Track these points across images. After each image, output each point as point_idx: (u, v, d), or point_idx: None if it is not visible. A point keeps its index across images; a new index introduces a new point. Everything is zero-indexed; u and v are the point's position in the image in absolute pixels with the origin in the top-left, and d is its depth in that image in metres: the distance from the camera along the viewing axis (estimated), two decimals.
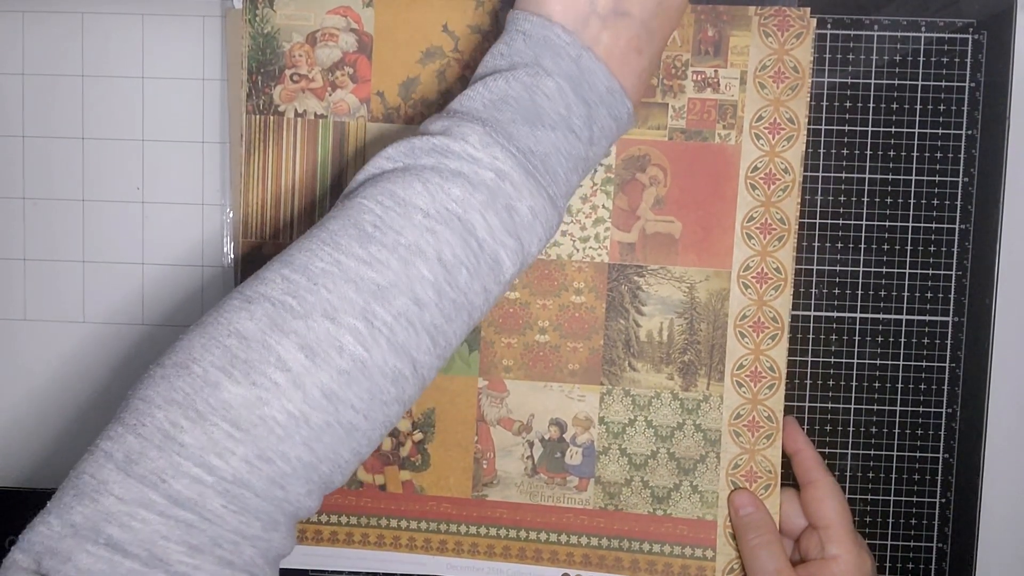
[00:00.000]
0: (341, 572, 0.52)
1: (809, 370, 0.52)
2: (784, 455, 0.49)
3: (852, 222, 0.51)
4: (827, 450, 0.52)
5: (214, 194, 0.53)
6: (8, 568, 0.31)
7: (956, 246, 0.51)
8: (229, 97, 0.51)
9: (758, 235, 0.48)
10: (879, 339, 0.51)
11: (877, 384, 0.51)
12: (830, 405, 0.52)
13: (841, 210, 0.51)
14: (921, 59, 0.50)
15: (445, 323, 0.36)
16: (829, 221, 0.51)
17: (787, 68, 0.48)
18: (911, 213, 0.51)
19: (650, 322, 0.49)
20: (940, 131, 0.50)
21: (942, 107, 0.50)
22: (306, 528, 0.51)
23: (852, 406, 0.52)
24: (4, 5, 0.52)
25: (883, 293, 0.51)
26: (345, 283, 0.34)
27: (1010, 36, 0.50)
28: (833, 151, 0.51)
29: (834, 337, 0.51)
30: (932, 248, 0.51)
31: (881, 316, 0.51)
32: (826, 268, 0.51)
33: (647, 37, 0.40)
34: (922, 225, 0.51)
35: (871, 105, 0.51)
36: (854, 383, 0.51)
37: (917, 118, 0.50)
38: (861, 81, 0.50)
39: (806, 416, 0.52)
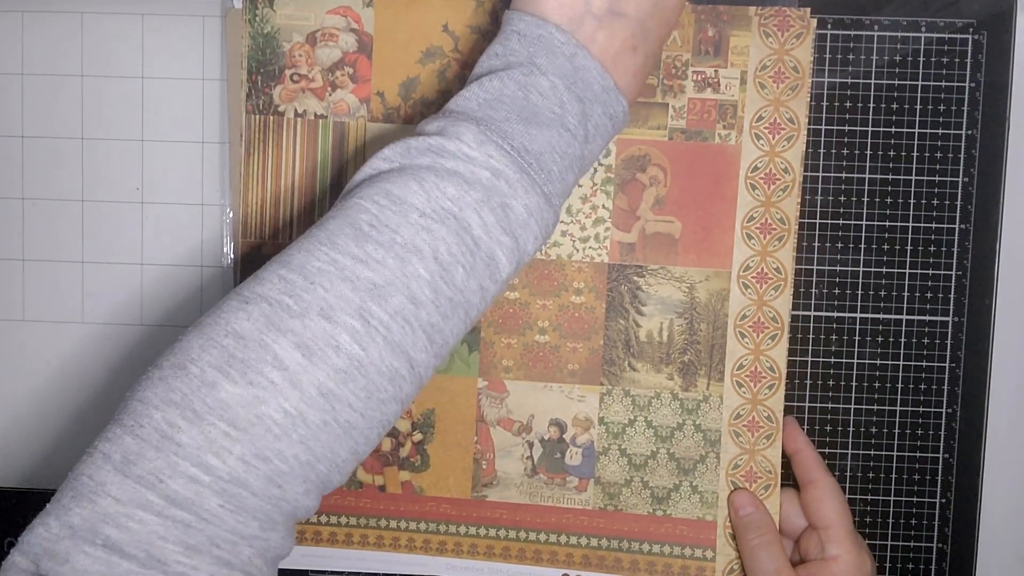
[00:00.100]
0: (341, 572, 0.52)
1: (809, 370, 0.52)
2: (784, 455, 0.49)
3: (852, 222, 0.51)
4: (827, 450, 0.52)
5: (214, 194, 0.52)
6: (8, 570, 0.31)
7: (956, 246, 0.51)
8: (229, 97, 0.51)
9: (758, 235, 0.48)
10: (879, 339, 0.51)
11: (877, 384, 0.51)
12: (830, 405, 0.52)
13: (841, 210, 0.51)
14: (921, 59, 0.50)
15: (442, 321, 0.36)
16: (829, 221, 0.51)
17: (787, 68, 0.48)
18: (911, 213, 0.51)
19: (650, 322, 0.49)
20: (940, 131, 0.50)
21: (942, 107, 0.50)
22: (306, 528, 0.51)
23: (852, 406, 0.52)
24: (4, 5, 0.52)
25: (883, 293, 0.51)
26: (341, 282, 0.34)
27: (1010, 36, 0.50)
28: (833, 151, 0.51)
29: (834, 337, 0.51)
30: (932, 248, 0.51)
31: (881, 316, 0.51)
32: (826, 268, 0.51)
33: (643, 36, 0.40)
34: (922, 225, 0.51)
35: (871, 105, 0.51)
36: (854, 383, 0.51)
37: (917, 118, 0.50)
38: (861, 81, 0.50)
39: (806, 416, 0.52)
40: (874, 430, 0.52)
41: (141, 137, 0.53)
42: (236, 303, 0.34)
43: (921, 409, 0.51)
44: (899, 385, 0.51)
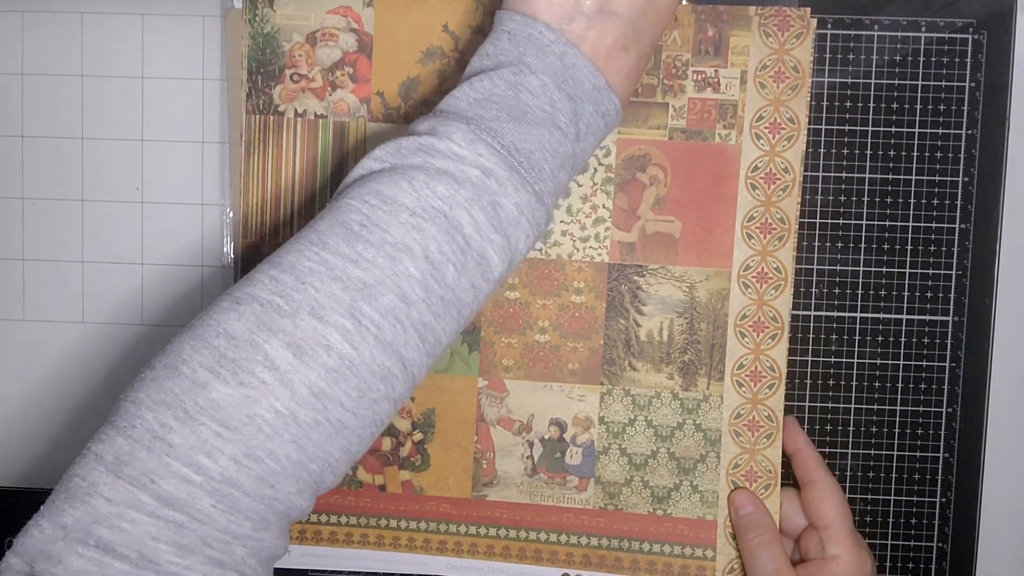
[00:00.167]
0: (341, 572, 0.52)
1: (809, 370, 0.52)
2: (784, 455, 0.49)
3: (852, 222, 0.51)
4: (827, 450, 0.52)
5: (214, 194, 0.52)
6: (3, 571, 0.31)
7: (956, 246, 0.51)
8: (229, 97, 0.51)
9: (758, 235, 0.48)
10: (879, 339, 0.51)
11: (877, 384, 0.51)
12: (830, 405, 0.52)
13: (841, 210, 0.51)
14: (921, 59, 0.50)
15: (434, 320, 0.36)
16: (829, 221, 0.51)
17: (787, 68, 0.48)
18: (911, 213, 0.51)
19: (650, 322, 0.49)
20: (940, 131, 0.50)
21: (942, 107, 0.50)
22: (306, 528, 0.51)
23: (852, 406, 0.52)
24: (4, 5, 0.52)
25: (883, 293, 0.51)
26: (332, 281, 0.35)
27: (1010, 36, 0.50)
28: (833, 151, 0.51)
29: (834, 337, 0.51)
30: (932, 248, 0.51)
31: (881, 316, 0.51)
32: (826, 268, 0.51)
33: (635, 35, 0.40)
34: (922, 225, 0.51)
35: (871, 105, 0.51)
36: (854, 383, 0.51)
37: (917, 118, 0.50)
38: (861, 81, 0.50)
39: (806, 416, 0.52)
40: (874, 430, 0.52)
41: (141, 137, 0.53)
42: (228, 304, 0.35)
43: (921, 409, 0.52)
44: (899, 385, 0.51)
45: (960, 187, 0.51)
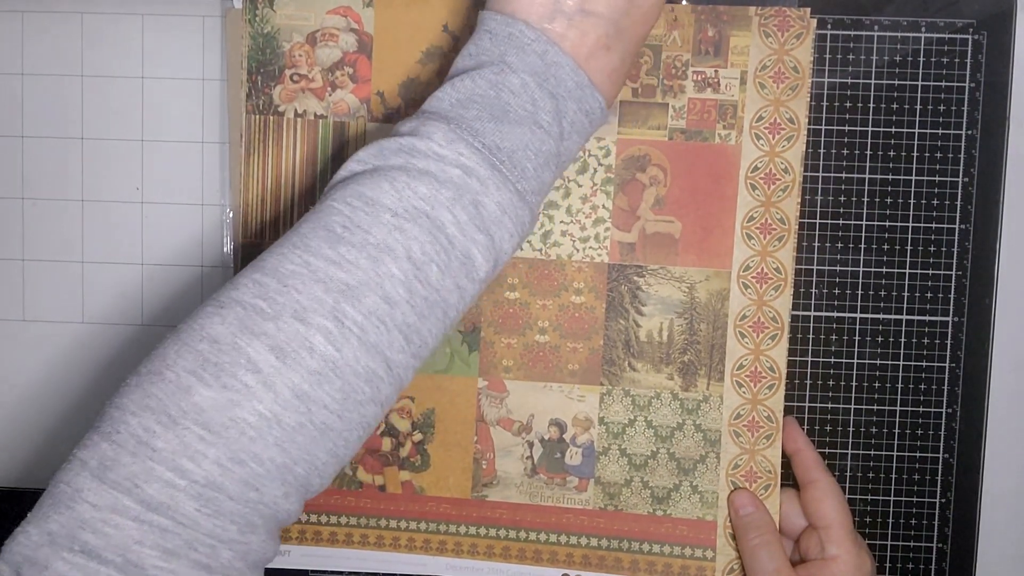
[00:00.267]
0: (341, 572, 0.52)
1: (809, 370, 0.52)
2: (784, 455, 0.49)
3: (852, 222, 0.51)
4: (827, 450, 0.52)
5: (213, 194, 0.52)
6: None
7: (956, 246, 0.51)
8: (229, 97, 0.51)
9: (758, 235, 0.48)
10: (879, 339, 0.51)
11: (877, 384, 0.51)
12: (830, 405, 0.52)
13: (841, 210, 0.51)
14: (921, 59, 0.50)
15: (418, 321, 0.36)
16: (829, 221, 0.51)
17: (787, 68, 0.48)
18: (911, 213, 0.51)
19: (650, 322, 0.49)
20: (940, 131, 0.50)
21: (942, 107, 0.50)
22: (306, 528, 0.51)
23: (852, 406, 0.52)
24: (4, 5, 0.52)
25: (883, 293, 0.51)
26: (314, 283, 0.35)
27: (1010, 36, 0.50)
28: (833, 151, 0.51)
29: (834, 337, 0.51)
30: (932, 248, 0.51)
31: (881, 316, 0.51)
32: (826, 268, 0.51)
33: (616, 35, 0.40)
34: (922, 225, 0.51)
35: (871, 105, 0.51)
36: (854, 383, 0.51)
37: (917, 118, 0.50)
38: (861, 81, 0.50)
39: (806, 416, 0.52)
40: (874, 430, 0.52)
41: (141, 137, 0.53)
42: (211, 308, 0.35)
43: (921, 409, 0.51)
44: (899, 385, 0.51)
45: (960, 187, 0.51)
